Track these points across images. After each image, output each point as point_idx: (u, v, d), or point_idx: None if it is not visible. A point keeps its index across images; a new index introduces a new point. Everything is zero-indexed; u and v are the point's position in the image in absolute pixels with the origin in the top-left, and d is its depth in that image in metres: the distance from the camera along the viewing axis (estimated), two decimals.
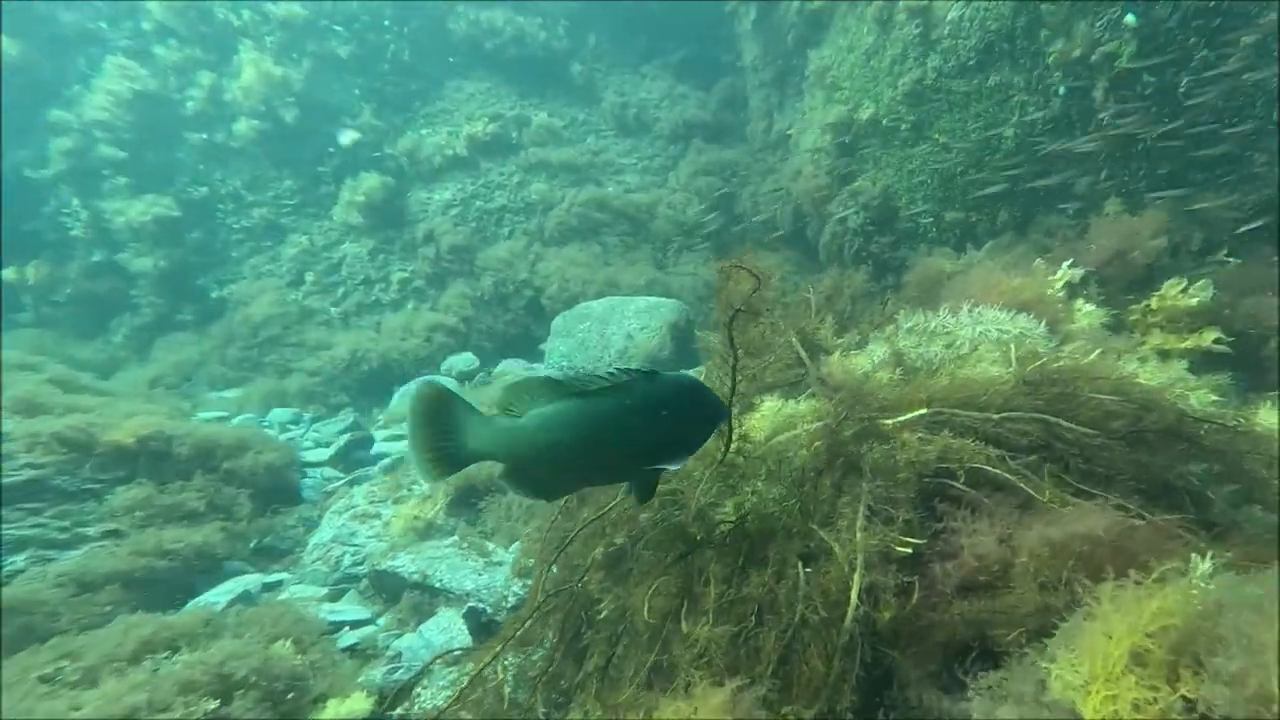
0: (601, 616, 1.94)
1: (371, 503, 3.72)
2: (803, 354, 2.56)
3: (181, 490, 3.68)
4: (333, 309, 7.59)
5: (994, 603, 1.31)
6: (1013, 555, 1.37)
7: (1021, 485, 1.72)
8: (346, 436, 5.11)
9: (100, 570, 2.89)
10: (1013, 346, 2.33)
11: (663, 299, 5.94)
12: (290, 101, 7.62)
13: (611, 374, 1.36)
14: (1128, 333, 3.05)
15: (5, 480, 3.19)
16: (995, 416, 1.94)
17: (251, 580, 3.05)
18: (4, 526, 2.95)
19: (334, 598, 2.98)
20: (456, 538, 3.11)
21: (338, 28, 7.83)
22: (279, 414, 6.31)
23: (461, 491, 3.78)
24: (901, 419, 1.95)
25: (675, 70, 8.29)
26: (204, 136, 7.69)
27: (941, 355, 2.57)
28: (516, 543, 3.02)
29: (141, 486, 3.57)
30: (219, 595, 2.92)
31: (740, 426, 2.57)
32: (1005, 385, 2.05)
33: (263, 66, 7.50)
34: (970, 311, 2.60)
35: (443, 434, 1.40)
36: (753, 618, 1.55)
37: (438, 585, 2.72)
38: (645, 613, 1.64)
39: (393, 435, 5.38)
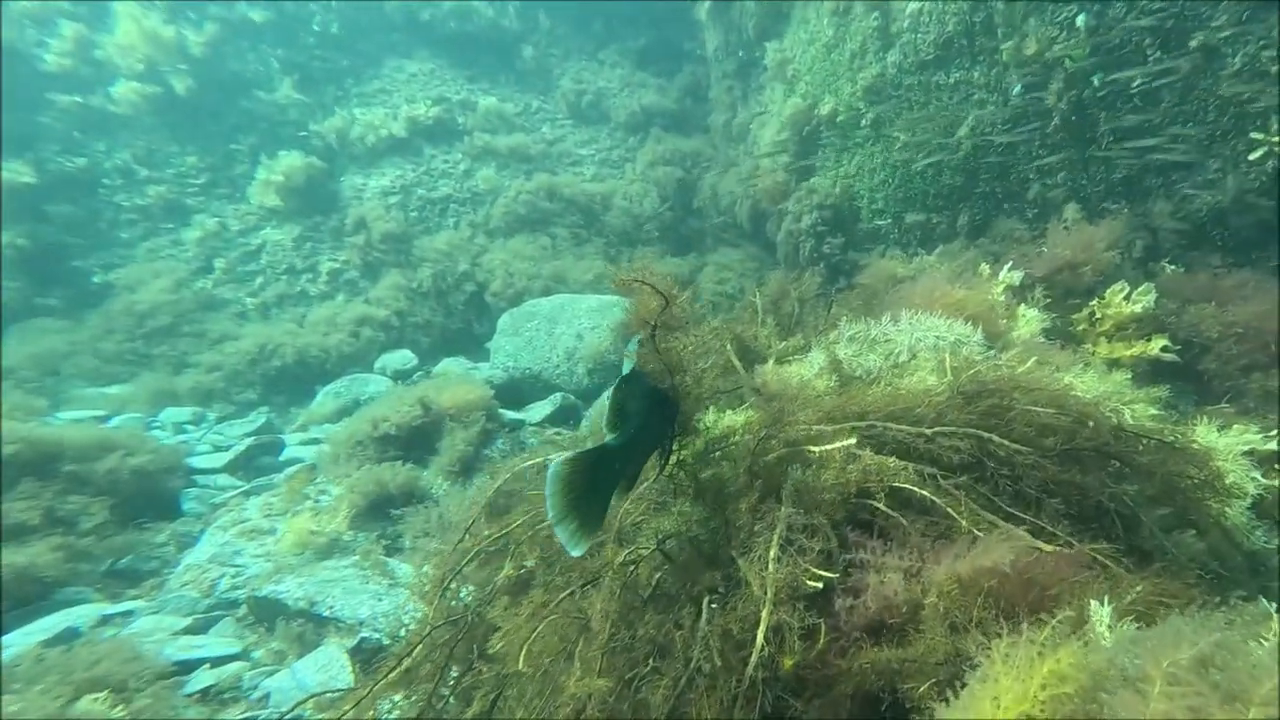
0: (492, 651, 1.79)
1: (266, 515, 3.47)
2: (736, 363, 2.47)
3: (13, 501, 3.28)
4: (248, 300, 7.16)
5: (904, 650, 1.23)
6: (922, 593, 1.29)
7: (950, 510, 1.66)
8: (250, 440, 4.78)
9: None
10: (948, 355, 2.29)
11: (615, 298, 5.82)
12: (184, 69, 7.11)
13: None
14: (1074, 342, 3.09)
15: None
16: (928, 431, 1.89)
17: (85, 612, 2.72)
18: None
19: (201, 628, 2.71)
20: (358, 556, 2.90)
21: None
22: (173, 413, 5.88)
23: (374, 500, 3.57)
24: (830, 434, 1.87)
25: (635, 57, 8.15)
26: (76, 99, 7.07)
27: (879, 365, 2.52)
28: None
29: None
30: (31, 634, 2.57)
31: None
32: (939, 397, 2.00)
33: (146, 24, 6.96)
34: (911, 319, 2.55)
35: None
36: (648, 662, 1.43)
37: (326, 613, 2.52)
38: (520, 659, 1.50)
39: (309, 439, 5.08)
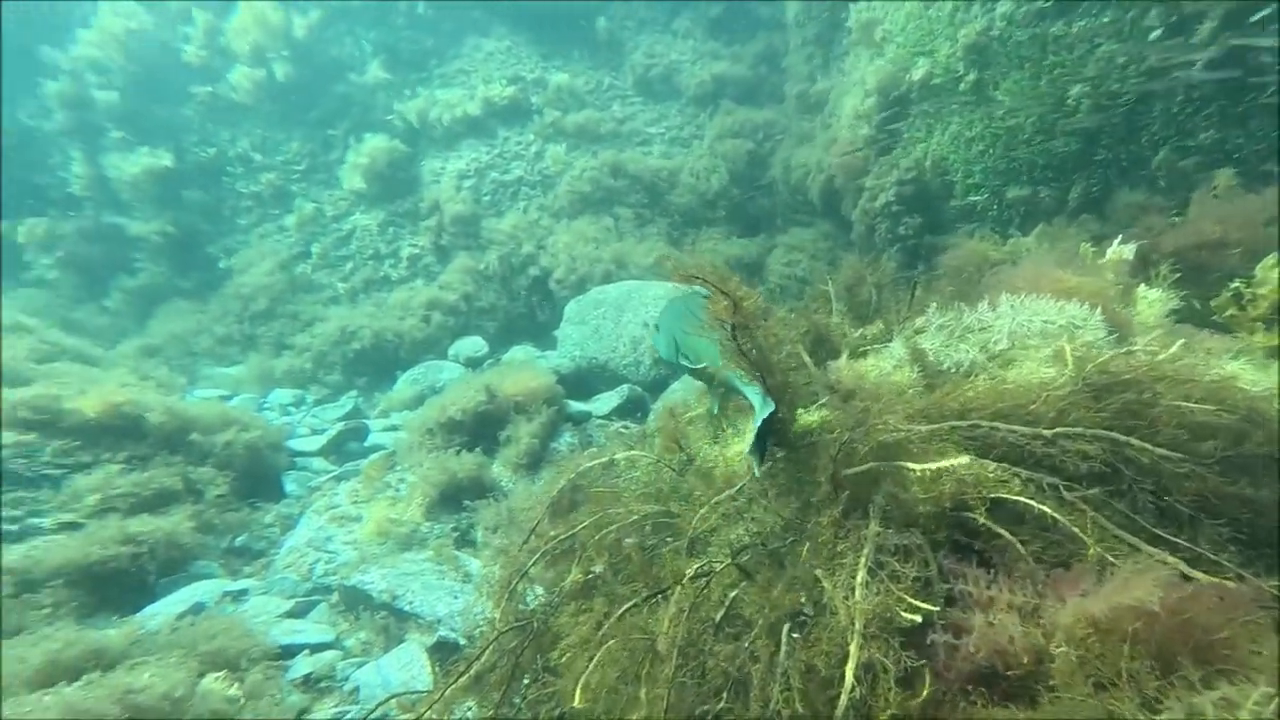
0: (556, 663, 1.74)
1: (353, 502, 3.63)
2: (806, 359, 2.28)
3: (152, 468, 3.58)
4: (340, 284, 7.44)
5: (1036, 712, 1.04)
6: (1046, 638, 1.10)
7: (1076, 529, 1.43)
8: (341, 425, 5.04)
9: (47, 564, 2.84)
10: (1066, 341, 1.99)
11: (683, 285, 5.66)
12: (286, 55, 7.36)
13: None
14: (1212, 329, 2.64)
15: None
16: (1047, 432, 1.64)
17: (211, 588, 2.97)
18: None
19: (301, 612, 2.88)
20: (432, 552, 2.97)
21: None
22: (279, 395, 6.28)
23: (445, 490, 3.65)
24: (924, 437, 1.66)
25: (710, 26, 7.80)
26: (209, 89, 7.53)
27: (972, 356, 2.26)
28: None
29: (105, 467, 3.49)
30: (171, 605, 2.86)
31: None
32: (1059, 391, 1.73)
33: (258, 8, 7.23)
34: (1012, 304, 2.26)
35: None
36: (721, 698, 1.32)
37: (406, 608, 2.59)
38: (578, 694, 1.43)
39: (389, 425, 5.30)
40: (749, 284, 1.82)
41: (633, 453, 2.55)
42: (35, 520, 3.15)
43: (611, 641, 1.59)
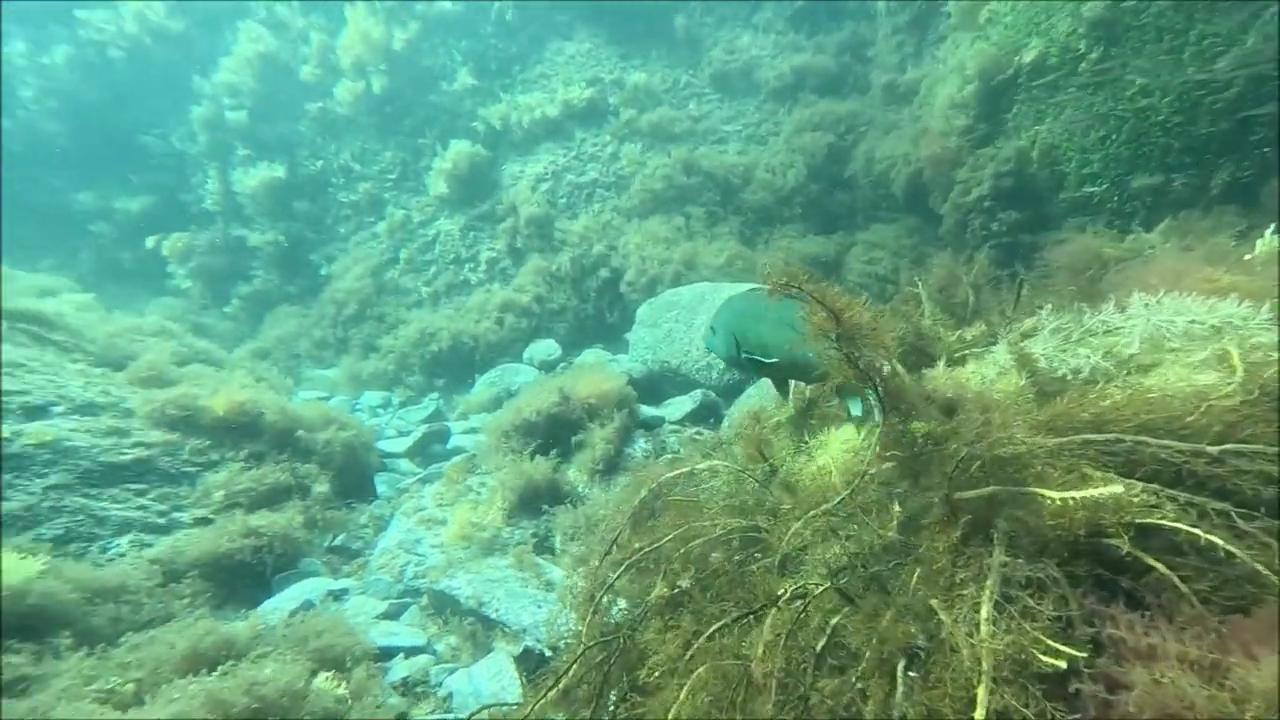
0: (644, 681, 1.69)
1: (439, 505, 3.75)
2: (899, 369, 2.12)
3: (265, 465, 3.85)
4: (424, 289, 7.70)
5: None
6: (1237, 705, 0.93)
7: (1259, 566, 1.22)
8: (424, 427, 5.25)
9: (187, 556, 3.11)
10: (1232, 343, 1.73)
11: (757, 286, 5.52)
12: (384, 69, 7.76)
13: None
14: None
15: (117, 457, 3.51)
16: (1212, 449, 1.43)
17: (317, 585, 3.16)
18: (112, 506, 3.23)
19: (394, 613, 3.01)
20: (513, 559, 3.01)
21: None
22: (369, 397, 6.63)
23: (523, 494, 3.70)
24: (1051, 451, 1.49)
25: (792, 18, 7.60)
26: (320, 105, 8.08)
27: (1094, 362, 2.03)
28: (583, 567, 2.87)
29: (229, 465, 3.78)
30: (286, 601, 3.07)
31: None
32: (1225, 401, 1.50)
33: (363, 25, 7.69)
34: (1146, 303, 2.00)
35: None
36: None
37: (493, 615, 2.64)
38: None
39: (469, 428, 5.47)
40: (827, 283, 1.71)
41: (714, 463, 2.47)
42: (178, 514, 3.46)
43: (702, 668, 1.52)
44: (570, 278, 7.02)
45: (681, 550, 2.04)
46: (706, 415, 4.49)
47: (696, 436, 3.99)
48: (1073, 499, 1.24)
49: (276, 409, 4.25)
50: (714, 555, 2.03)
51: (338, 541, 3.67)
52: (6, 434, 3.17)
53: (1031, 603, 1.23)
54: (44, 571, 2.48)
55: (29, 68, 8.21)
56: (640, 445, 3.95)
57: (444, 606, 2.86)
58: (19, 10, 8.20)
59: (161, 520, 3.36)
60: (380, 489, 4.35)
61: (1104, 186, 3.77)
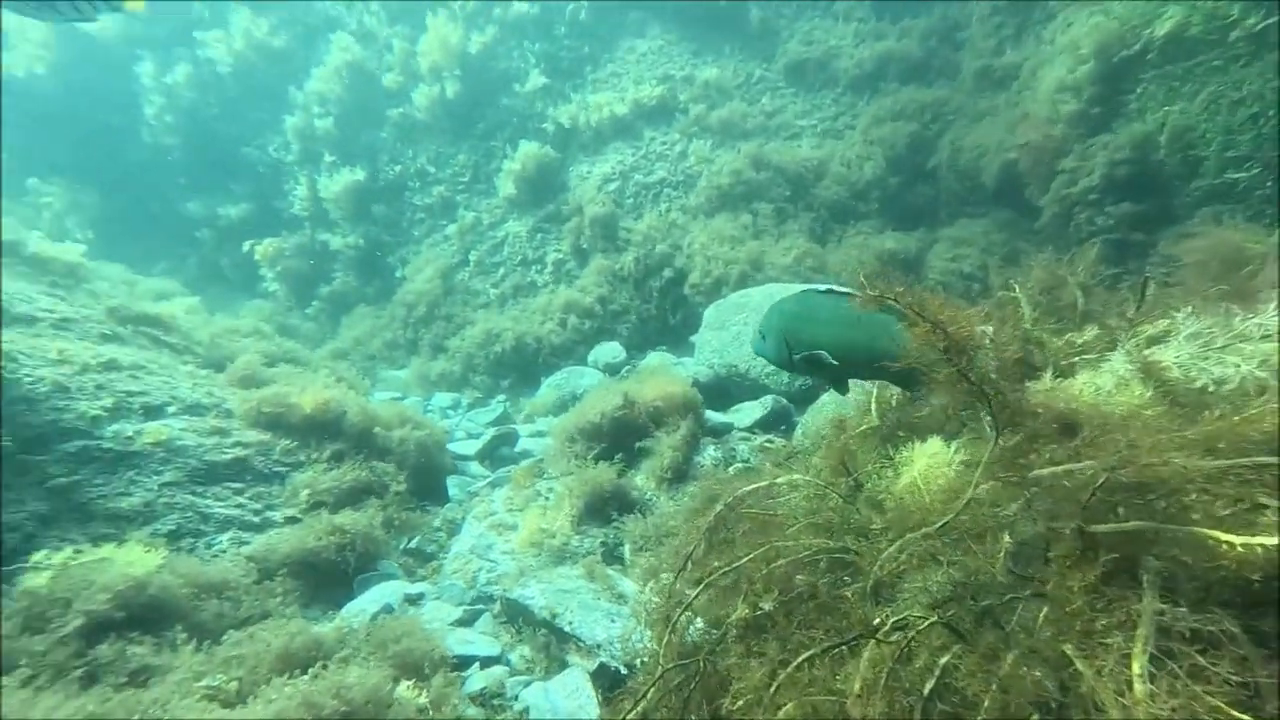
0: (725, 712, 1.60)
1: (509, 510, 3.79)
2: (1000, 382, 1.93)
3: (346, 463, 4.00)
4: (491, 291, 7.83)
5: None
6: None
7: None
8: (493, 431, 5.35)
9: (278, 553, 3.27)
10: None
11: (811, 287, 5.29)
12: (459, 74, 7.95)
13: None
14: None
15: (219, 456, 3.75)
16: None
17: (395, 588, 3.25)
18: (215, 504, 3.45)
19: (469, 620, 3.04)
20: (583, 569, 2.98)
21: None
22: (440, 399, 6.82)
23: (592, 502, 3.67)
24: (1212, 476, 1.28)
25: (875, 5, 7.30)
26: (400, 111, 8.40)
27: (1246, 372, 1.78)
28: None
29: (315, 466, 3.96)
30: (368, 603, 3.16)
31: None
32: None
33: (441, 31, 7.95)
34: None
35: None
36: None
37: (566, 628, 2.61)
38: None
39: (536, 431, 5.53)
40: (905, 282, 1.57)
41: (795, 476, 2.34)
42: (270, 513, 3.65)
43: (790, 703, 1.41)
44: (634, 278, 6.97)
45: (763, 570, 1.94)
46: (777, 422, 4.32)
47: (768, 445, 3.84)
48: (1261, 546, 1.04)
49: (357, 408, 4.43)
50: (798, 577, 1.92)
51: (413, 544, 3.77)
52: (129, 432, 3.46)
53: (1202, 661, 1.05)
54: (161, 565, 2.67)
55: (155, 87, 9.02)
56: (709, 453, 3.84)
57: (516, 615, 2.86)
58: (149, 36, 9.02)
59: (256, 519, 3.55)
60: (452, 491, 4.46)
61: (1254, 171, 3.33)
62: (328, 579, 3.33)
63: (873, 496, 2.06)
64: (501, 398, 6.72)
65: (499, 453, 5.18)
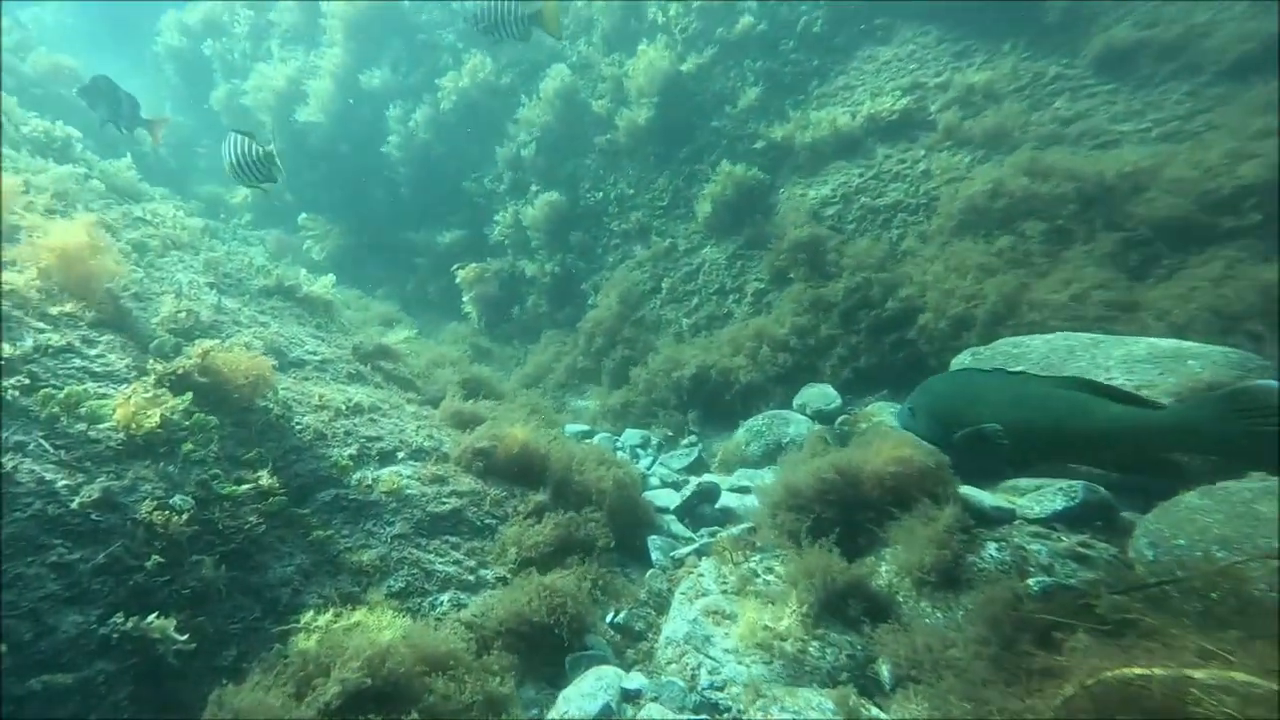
0: None
1: (723, 590, 3.39)
2: None
3: (549, 512, 3.86)
4: (684, 320, 7.59)
5: None
6: None
7: None
8: (694, 484, 5.02)
9: (493, 618, 3.18)
10: None
11: (1198, 345, 3.94)
12: (665, 99, 7.87)
13: None
14: None
15: (439, 507, 3.85)
16: None
17: (613, 681, 2.94)
18: (436, 560, 3.48)
19: None
20: (835, 700, 2.44)
21: (752, 2, 7.78)
22: (630, 436, 6.66)
23: (826, 600, 3.12)
24: None
25: None
26: (607, 137, 8.57)
27: None
28: None
29: (518, 519, 3.89)
30: (585, 700, 2.81)
31: None
32: None
33: (651, 55, 7.95)
34: None
35: None
36: None
37: None
38: None
39: (737, 486, 5.09)
40: None
41: (1234, 675, 1.62)
42: (484, 571, 3.49)
43: None
44: (840, 309, 6.20)
45: None
46: (1090, 518, 3.30)
47: (1082, 549, 2.94)
48: None
49: (559, 450, 4.37)
50: None
51: (620, 619, 3.52)
52: (369, 480, 3.66)
53: None
54: (405, 635, 2.57)
55: (397, 130, 10.26)
56: (990, 552, 3.06)
57: None
58: (404, 87, 10.40)
59: (471, 577, 3.44)
60: (654, 555, 4.19)
61: None
62: (538, 649, 3.15)
63: None
64: (693, 439, 6.39)
65: (699, 511, 4.83)
